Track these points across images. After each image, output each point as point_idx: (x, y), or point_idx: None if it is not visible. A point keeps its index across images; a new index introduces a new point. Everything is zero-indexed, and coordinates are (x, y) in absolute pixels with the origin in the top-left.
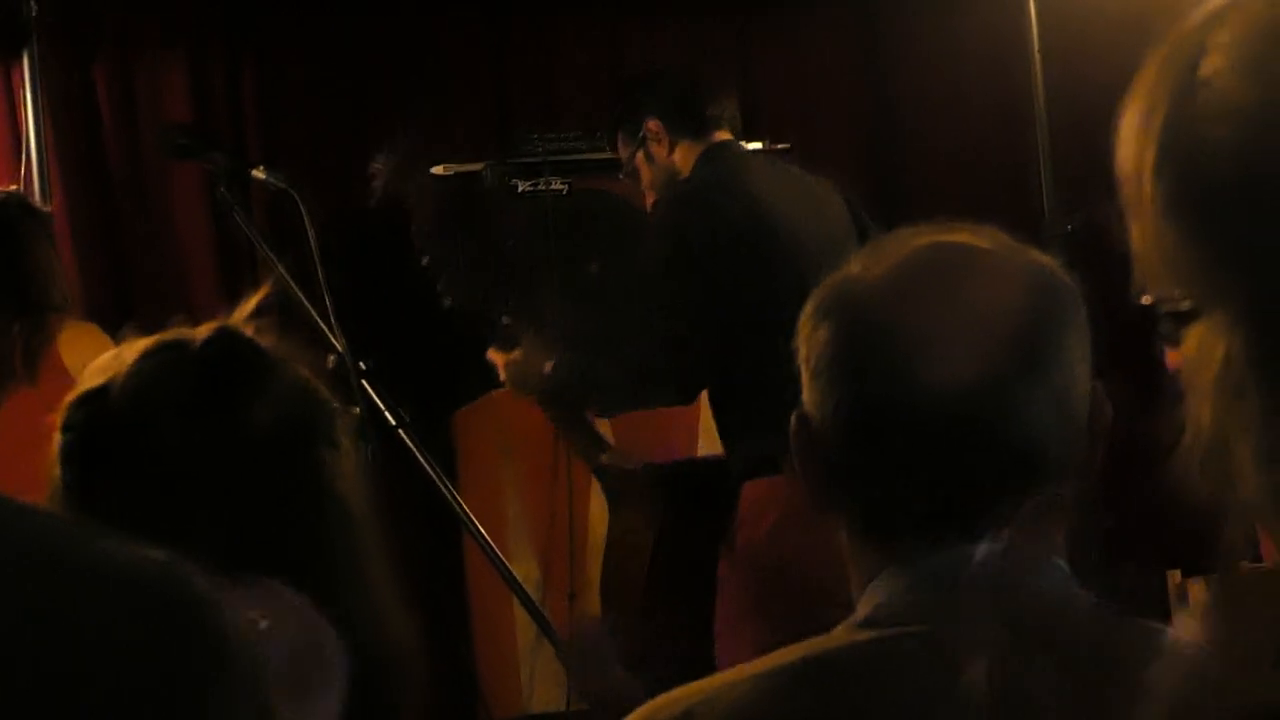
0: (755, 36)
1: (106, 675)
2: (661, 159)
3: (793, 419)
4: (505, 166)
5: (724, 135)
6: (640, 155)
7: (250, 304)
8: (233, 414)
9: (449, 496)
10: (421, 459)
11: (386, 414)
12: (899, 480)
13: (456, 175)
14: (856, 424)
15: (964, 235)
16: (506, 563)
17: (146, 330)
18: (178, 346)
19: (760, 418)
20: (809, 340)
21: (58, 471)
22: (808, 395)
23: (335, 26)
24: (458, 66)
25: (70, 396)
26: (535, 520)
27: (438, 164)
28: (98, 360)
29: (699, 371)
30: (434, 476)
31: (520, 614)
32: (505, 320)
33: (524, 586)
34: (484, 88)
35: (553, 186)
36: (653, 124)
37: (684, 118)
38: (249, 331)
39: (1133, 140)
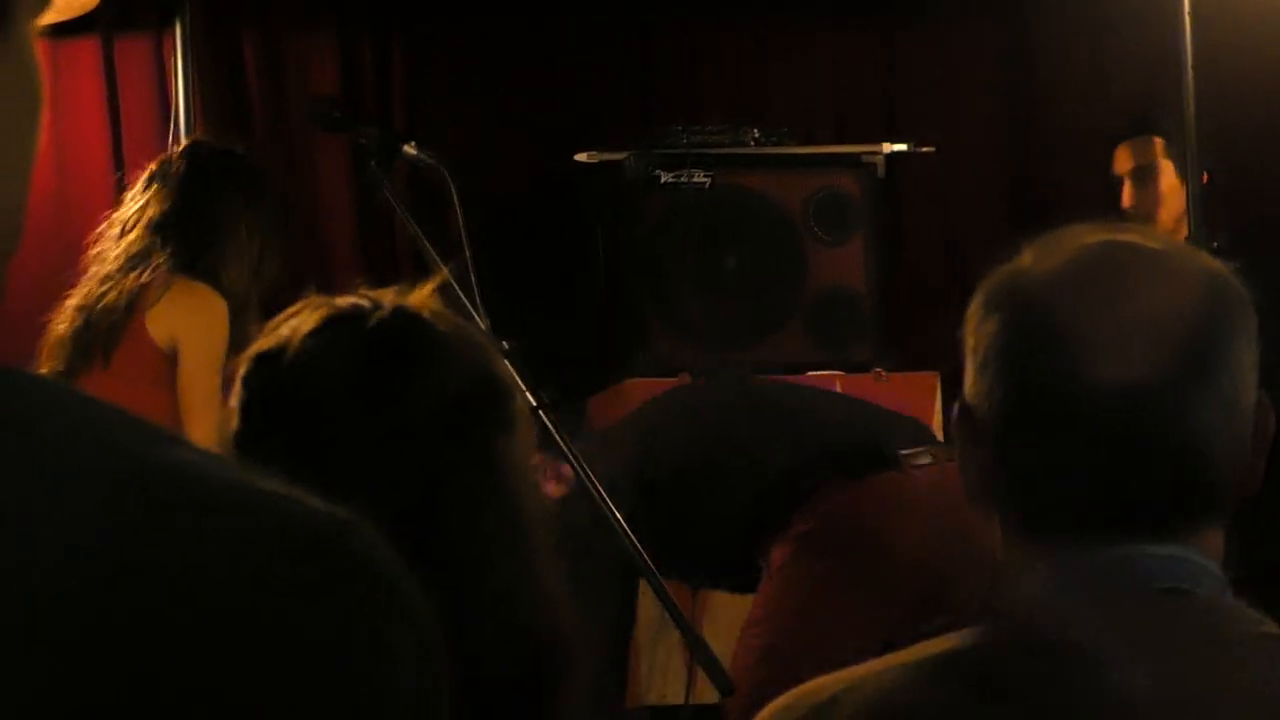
0: (900, 37)
1: (275, 622)
2: None
3: (955, 408)
4: (649, 156)
5: None
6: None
7: (429, 287)
8: (400, 393)
9: (584, 478)
10: (559, 440)
11: (528, 395)
12: (1060, 476)
13: (600, 163)
14: (1021, 416)
15: (1136, 235)
16: (637, 543)
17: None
18: (353, 319)
19: None
20: (977, 330)
21: (233, 424)
22: (972, 385)
23: (484, 6)
24: (604, 55)
25: (252, 350)
26: None
27: (580, 151)
28: (283, 316)
29: None
30: (570, 458)
31: (643, 604)
32: None
33: (653, 568)
34: (630, 78)
35: (695, 179)
36: None
37: None
38: (425, 312)
39: None
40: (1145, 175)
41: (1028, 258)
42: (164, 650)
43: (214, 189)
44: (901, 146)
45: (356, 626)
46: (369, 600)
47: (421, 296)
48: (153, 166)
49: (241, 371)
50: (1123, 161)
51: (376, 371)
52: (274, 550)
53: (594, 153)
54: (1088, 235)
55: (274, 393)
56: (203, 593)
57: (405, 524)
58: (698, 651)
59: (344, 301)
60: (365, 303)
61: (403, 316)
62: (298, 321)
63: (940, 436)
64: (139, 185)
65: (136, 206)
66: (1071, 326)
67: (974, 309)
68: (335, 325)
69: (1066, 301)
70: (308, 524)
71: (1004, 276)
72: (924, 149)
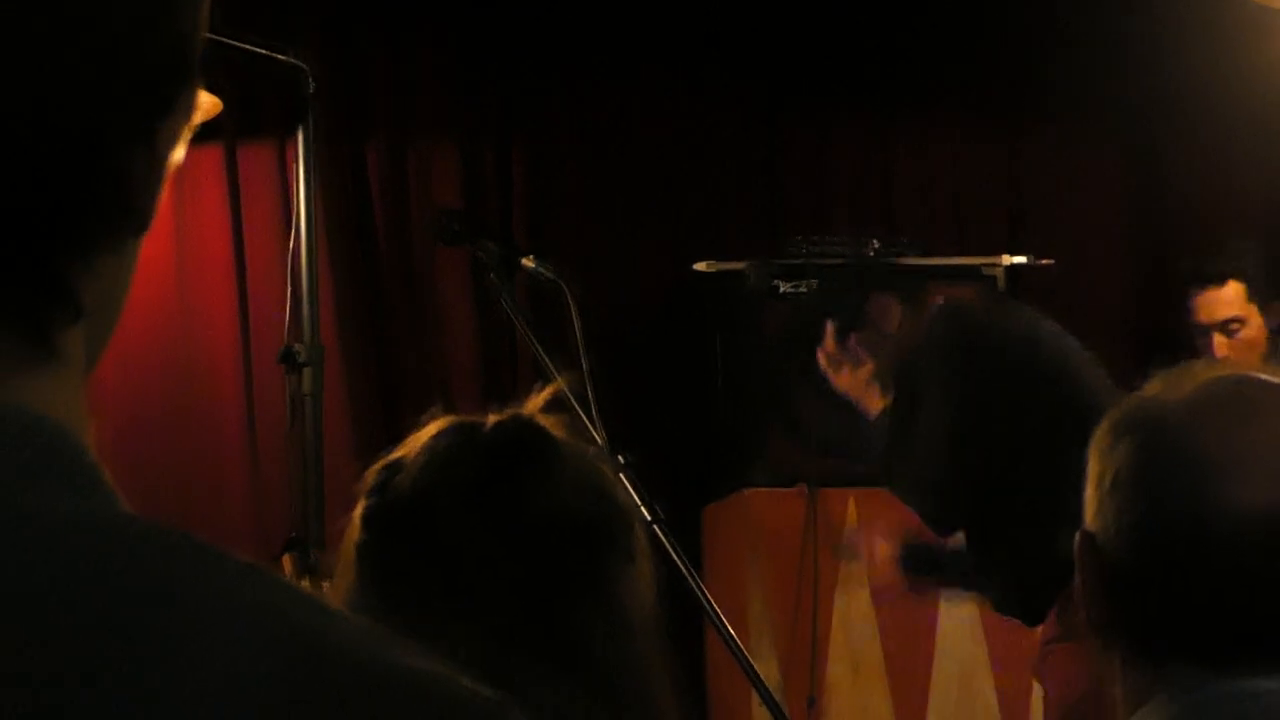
0: (1024, 150)
1: None
2: None
3: (1077, 536)
4: (768, 266)
5: None
6: None
7: (543, 396)
8: (515, 501)
9: (696, 590)
10: (674, 554)
11: (642, 509)
12: (1186, 606)
13: (719, 273)
14: (1148, 543)
15: (1264, 370)
16: (749, 659)
17: (449, 411)
18: (469, 429)
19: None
20: (1105, 456)
21: (356, 534)
22: (1096, 511)
23: (607, 119)
24: (728, 164)
25: (377, 464)
26: (778, 621)
27: (701, 260)
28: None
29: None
30: (684, 571)
31: (760, 714)
32: None
33: (765, 684)
34: (753, 188)
35: (814, 289)
36: None
37: None
38: (543, 422)
39: None
40: (1235, 327)
41: (1157, 386)
42: None
43: None
44: (1022, 259)
45: None
46: None
47: (535, 406)
48: None
49: (366, 481)
50: (1207, 311)
51: (492, 474)
52: None
53: (713, 262)
54: (1216, 369)
55: (394, 498)
56: None
57: (520, 636)
58: None
59: (464, 416)
60: (483, 415)
61: (520, 423)
62: (419, 435)
63: None
64: None
65: None
66: (1205, 453)
67: (1101, 435)
68: (453, 433)
69: (1201, 429)
70: (461, 707)
71: (1134, 404)
72: (1044, 261)
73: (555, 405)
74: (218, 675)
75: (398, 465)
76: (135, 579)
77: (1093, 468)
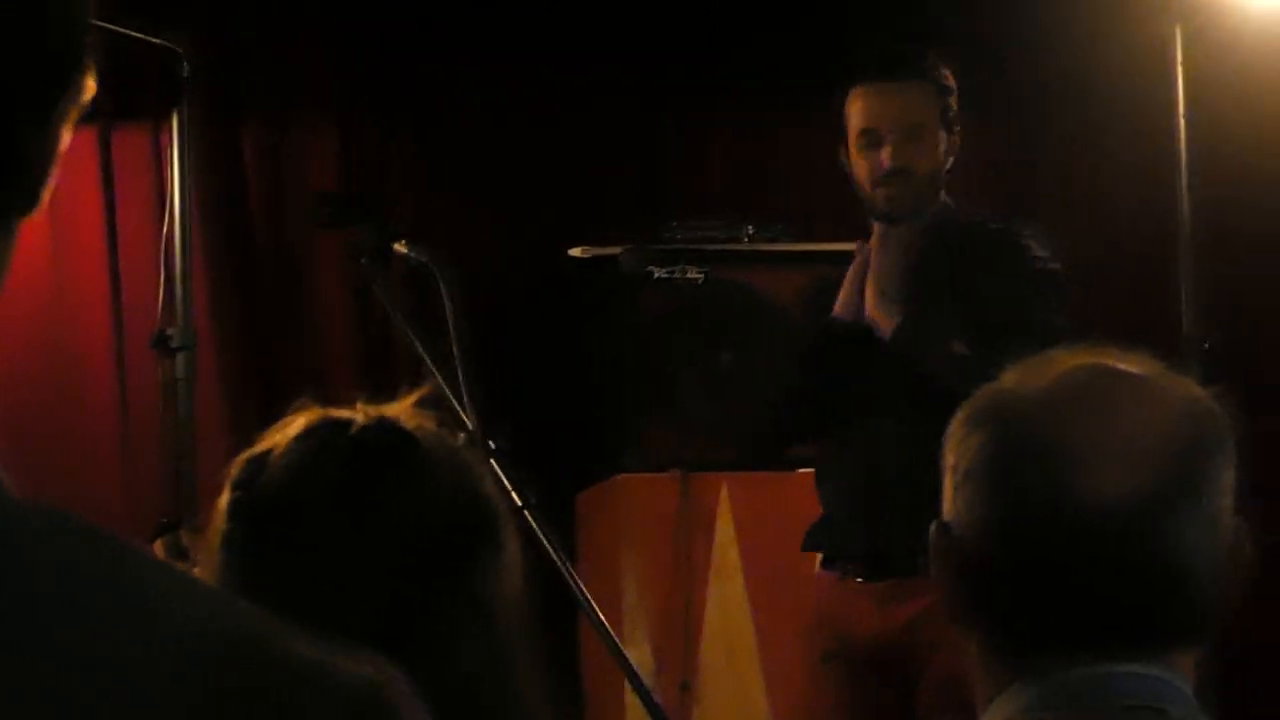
0: None
1: None
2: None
3: (933, 526)
4: (643, 252)
5: None
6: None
7: (412, 398)
8: (378, 505)
9: (568, 579)
10: (545, 541)
11: (513, 495)
12: (1041, 593)
13: (594, 259)
14: (1003, 534)
15: (1116, 359)
16: (622, 648)
17: (321, 403)
18: (335, 430)
19: None
20: (958, 447)
21: (223, 525)
22: (951, 502)
23: (484, 104)
24: (604, 151)
25: (244, 454)
26: (651, 606)
27: (576, 246)
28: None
29: None
30: (555, 559)
31: (632, 701)
32: None
33: (639, 673)
34: (630, 174)
35: (689, 274)
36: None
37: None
38: (411, 423)
39: None
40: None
41: (1011, 378)
42: None
43: None
44: None
45: None
46: None
47: (404, 408)
48: None
49: (231, 473)
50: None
51: (357, 477)
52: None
53: (588, 248)
54: (1071, 359)
55: (259, 495)
56: None
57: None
58: None
59: (332, 411)
60: (356, 414)
61: (387, 428)
62: (286, 426)
63: None
64: None
65: None
66: (1057, 443)
67: (955, 427)
68: (320, 432)
69: (1052, 419)
70: (352, 688)
71: (988, 396)
72: None
73: (426, 395)
74: (120, 661)
75: (263, 460)
76: (36, 567)
77: (948, 460)
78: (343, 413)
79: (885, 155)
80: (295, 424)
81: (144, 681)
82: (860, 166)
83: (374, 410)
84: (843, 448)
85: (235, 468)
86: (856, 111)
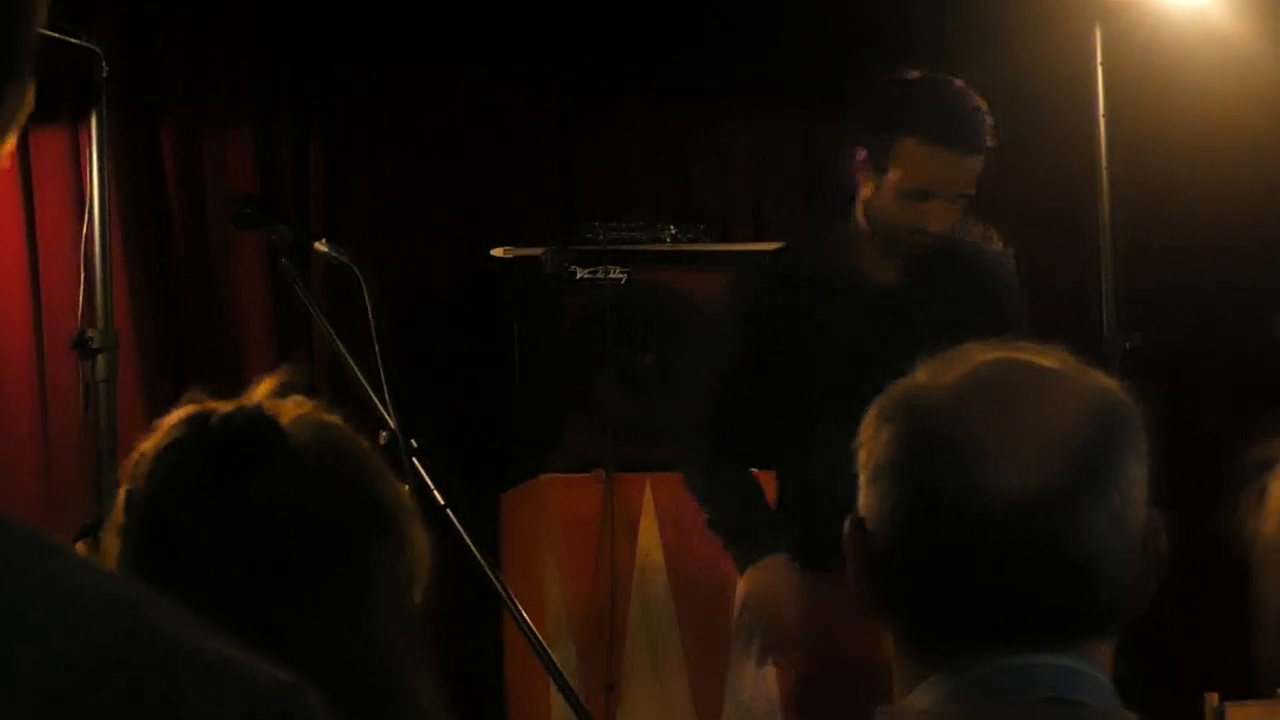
0: (821, 137)
1: None
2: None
3: (847, 521)
4: (565, 253)
5: None
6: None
7: (267, 385)
8: (238, 496)
9: (492, 578)
10: (467, 540)
11: (434, 493)
12: (952, 587)
13: (516, 259)
14: (913, 528)
15: (1030, 353)
16: (547, 648)
17: (212, 395)
18: (198, 422)
19: None
20: (870, 443)
21: (119, 517)
22: (864, 497)
23: (403, 104)
24: (525, 152)
25: (140, 446)
26: (575, 607)
27: (498, 246)
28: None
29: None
30: (478, 558)
31: (557, 701)
32: None
33: (563, 673)
34: (551, 175)
35: (611, 275)
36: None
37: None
38: (296, 413)
39: None
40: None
41: (923, 373)
42: None
43: None
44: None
45: None
46: None
47: (260, 395)
48: None
49: (127, 466)
50: None
51: (214, 469)
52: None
53: (510, 248)
54: (983, 353)
55: (135, 492)
56: None
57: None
58: None
59: (201, 405)
60: (218, 405)
61: (248, 417)
62: (170, 418)
63: None
64: None
65: None
66: (965, 437)
67: (867, 422)
68: (185, 425)
69: (961, 413)
70: (262, 689)
71: (898, 391)
72: None
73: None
74: (39, 656)
75: (144, 451)
76: None
77: (860, 455)
78: (219, 405)
79: (932, 219)
80: (173, 416)
81: (34, 673)
82: (897, 208)
83: (248, 401)
84: (816, 443)
85: (130, 462)
86: (913, 165)
